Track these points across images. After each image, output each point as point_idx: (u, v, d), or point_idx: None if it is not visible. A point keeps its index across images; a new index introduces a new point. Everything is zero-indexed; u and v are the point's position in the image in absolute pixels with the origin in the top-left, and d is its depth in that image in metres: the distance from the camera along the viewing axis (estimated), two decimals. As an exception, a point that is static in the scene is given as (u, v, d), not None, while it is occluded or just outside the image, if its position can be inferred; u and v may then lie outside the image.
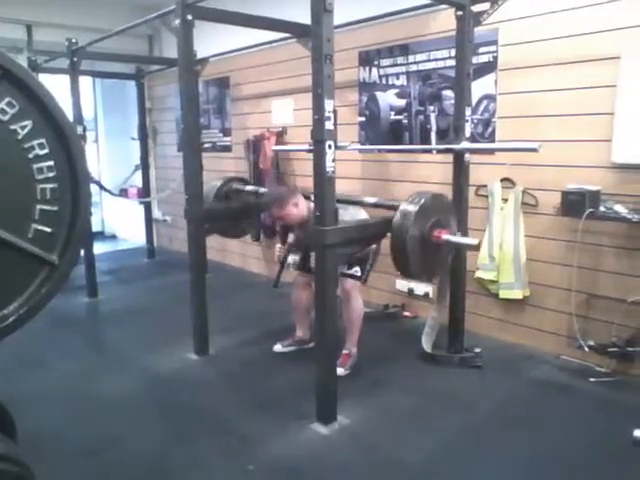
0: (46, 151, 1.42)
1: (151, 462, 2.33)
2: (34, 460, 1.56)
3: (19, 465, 1.43)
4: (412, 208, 2.62)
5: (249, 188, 4.16)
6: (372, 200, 3.21)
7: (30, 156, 1.41)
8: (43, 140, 1.42)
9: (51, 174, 1.44)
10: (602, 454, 2.31)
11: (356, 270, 3.06)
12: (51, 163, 1.44)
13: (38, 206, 1.44)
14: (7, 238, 1.38)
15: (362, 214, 3.09)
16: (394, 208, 2.72)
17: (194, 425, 2.59)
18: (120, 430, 2.56)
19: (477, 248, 2.77)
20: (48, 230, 1.47)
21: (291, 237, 3.34)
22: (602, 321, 3.00)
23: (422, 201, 2.64)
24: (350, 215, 2.89)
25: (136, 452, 2.39)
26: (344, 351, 3.11)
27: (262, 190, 4.01)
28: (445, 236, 2.67)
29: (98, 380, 3.08)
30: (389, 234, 2.66)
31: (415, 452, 2.35)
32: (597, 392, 2.80)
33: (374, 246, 3.13)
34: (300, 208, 3.07)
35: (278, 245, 3.39)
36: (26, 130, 1.39)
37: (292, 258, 3.43)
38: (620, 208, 2.78)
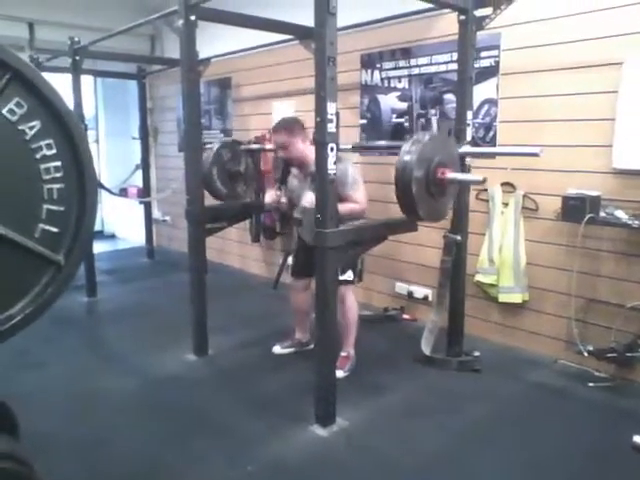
0: (54, 151, 1.43)
1: (149, 462, 2.33)
2: (31, 458, 1.56)
3: (24, 464, 1.43)
4: (414, 148, 2.53)
5: (254, 146, 4.14)
6: (379, 143, 3.08)
7: (38, 156, 1.41)
8: (51, 141, 1.42)
9: (58, 174, 1.44)
10: (601, 459, 2.32)
11: (349, 275, 3.05)
12: (58, 163, 1.44)
13: (45, 206, 1.45)
14: (14, 238, 1.38)
15: (347, 163, 2.96)
16: (397, 148, 2.64)
17: (192, 425, 2.59)
18: (118, 429, 2.56)
19: (482, 182, 2.68)
20: (55, 230, 1.48)
21: (283, 197, 3.24)
22: (601, 326, 3.01)
23: (425, 139, 2.56)
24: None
25: (134, 452, 2.39)
26: (342, 353, 3.12)
27: (268, 145, 3.90)
28: (449, 174, 2.60)
29: (96, 379, 3.08)
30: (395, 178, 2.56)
31: (413, 455, 2.36)
32: (596, 397, 2.81)
33: None
34: (306, 146, 2.99)
35: (271, 191, 3.30)
36: (34, 130, 1.39)
37: (291, 260, 3.42)
38: (620, 214, 2.80)
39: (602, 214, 2.84)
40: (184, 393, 2.94)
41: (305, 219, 2.75)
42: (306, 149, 2.99)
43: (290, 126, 3.02)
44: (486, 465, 2.29)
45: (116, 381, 3.06)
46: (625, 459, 2.26)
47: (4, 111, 1.35)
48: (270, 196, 3.32)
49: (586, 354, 2.94)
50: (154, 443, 2.46)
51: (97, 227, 7.31)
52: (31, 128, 1.39)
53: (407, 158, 2.50)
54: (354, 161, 3.08)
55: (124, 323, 4.09)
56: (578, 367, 3.07)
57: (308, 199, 2.79)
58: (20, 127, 1.38)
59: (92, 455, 2.36)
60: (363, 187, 2.98)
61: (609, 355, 2.89)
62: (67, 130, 1.44)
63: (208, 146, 3.98)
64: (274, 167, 4.29)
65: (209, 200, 3.51)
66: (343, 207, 2.70)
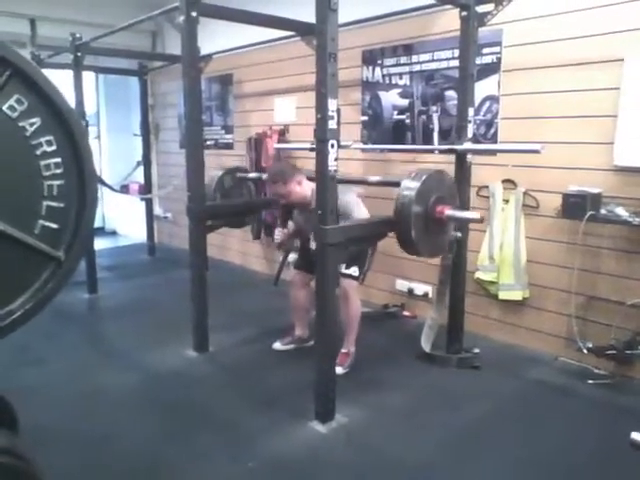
0: (54, 148, 1.43)
1: (149, 458, 2.34)
2: (31, 453, 1.57)
3: (22, 459, 1.44)
4: (414, 184, 2.60)
5: (252, 175, 4.19)
6: (375, 178, 3.18)
7: (38, 153, 1.41)
8: (51, 137, 1.42)
9: (58, 171, 1.45)
10: (600, 456, 2.33)
11: (354, 270, 3.05)
12: (58, 160, 1.44)
13: (45, 202, 1.45)
14: (14, 234, 1.39)
15: (351, 195, 3.00)
16: (397, 184, 2.70)
17: (193, 422, 2.60)
18: (119, 425, 2.57)
19: (480, 221, 2.73)
20: (54, 226, 1.48)
21: (291, 225, 3.31)
22: (601, 323, 3.02)
23: (424, 177, 2.62)
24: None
25: (134, 448, 2.40)
26: (342, 350, 3.12)
27: (265, 176, 3.98)
28: (448, 211, 2.66)
29: (97, 375, 3.09)
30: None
31: (413, 451, 2.36)
32: (595, 394, 2.82)
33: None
34: (303, 187, 3.04)
35: (278, 229, 3.37)
36: (34, 127, 1.40)
37: (292, 257, 3.43)
38: (621, 211, 2.79)
39: (603, 211, 2.84)
40: (184, 389, 2.94)
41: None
42: (303, 189, 3.04)
43: (283, 175, 3.05)
44: (486, 463, 2.29)
45: (117, 377, 3.07)
46: (625, 456, 2.27)
47: (4, 108, 1.36)
48: (279, 236, 3.35)
49: (586, 351, 2.94)
50: (155, 439, 2.47)
51: (98, 224, 7.33)
52: (31, 125, 1.40)
53: (406, 194, 2.58)
54: (359, 192, 3.14)
55: (125, 319, 4.10)
56: (578, 364, 3.07)
57: None
58: (20, 124, 1.38)
59: (93, 450, 2.36)
60: (366, 212, 3.00)
61: (609, 352, 2.89)
62: (67, 127, 1.44)
63: (212, 173, 4.07)
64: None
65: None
66: None
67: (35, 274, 1.48)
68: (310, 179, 2.99)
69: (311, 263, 3.21)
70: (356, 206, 2.97)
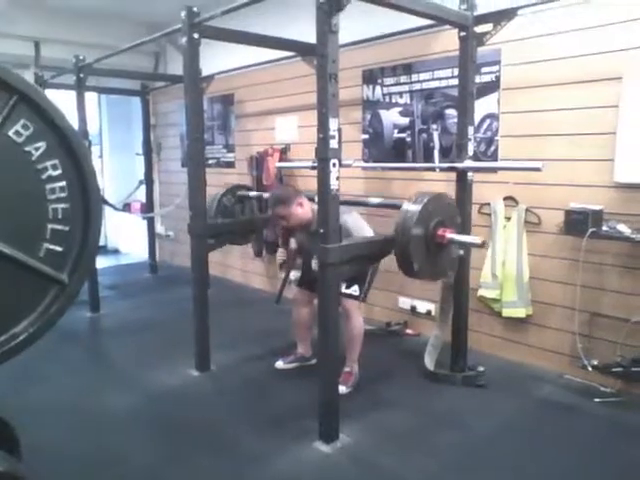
0: (59, 172, 1.44)
1: (151, 478, 2.32)
2: (34, 475, 1.56)
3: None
4: (415, 207, 2.59)
5: (252, 194, 4.20)
6: (375, 200, 3.19)
7: (43, 177, 1.43)
8: (56, 161, 1.44)
9: (63, 194, 1.46)
10: (608, 476, 2.29)
11: (354, 289, 3.04)
12: (63, 183, 1.46)
13: (50, 225, 1.46)
14: (18, 257, 1.40)
15: (352, 214, 3.01)
16: (397, 207, 2.70)
17: (195, 442, 2.58)
18: (120, 445, 2.55)
19: (481, 246, 2.72)
20: (59, 249, 1.49)
21: (293, 243, 3.31)
22: (606, 340, 3.00)
23: (425, 200, 2.61)
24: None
25: (136, 468, 2.38)
26: (345, 369, 3.10)
27: (266, 195, 4.00)
28: (449, 235, 2.65)
29: (99, 395, 3.08)
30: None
31: (417, 472, 2.34)
32: (602, 413, 2.79)
33: None
34: (305, 209, 3.04)
35: (280, 250, 3.37)
36: (40, 151, 1.41)
37: (294, 274, 3.43)
38: (623, 227, 2.79)
39: (605, 228, 2.85)
40: (186, 409, 2.92)
41: None
42: (305, 210, 3.05)
43: (284, 199, 3.05)
44: (491, 482, 2.27)
45: (119, 397, 3.05)
46: (632, 475, 2.25)
47: (10, 133, 1.38)
48: (280, 256, 3.37)
49: (591, 369, 2.92)
50: (157, 460, 2.44)
51: (100, 242, 7.32)
52: (37, 149, 1.41)
53: (408, 216, 2.57)
54: (360, 212, 3.16)
55: (127, 338, 4.08)
56: (583, 382, 3.05)
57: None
58: (26, 148, 1.40)
59: (95, 472, 2.34)
60: (368, 229, 3.01)
61: (614, 370, 2.87)
62: (72, 150, 1.46)
63: (213, 193, 4.08)
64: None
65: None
66: None
67: (39, 297, 1.49)
68: (310, 199, 3.02)
69: (313, 281, 3.21)
70: (358, 223, 2.97)
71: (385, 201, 3.25)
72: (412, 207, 2.61)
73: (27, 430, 1.88)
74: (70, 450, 2.51)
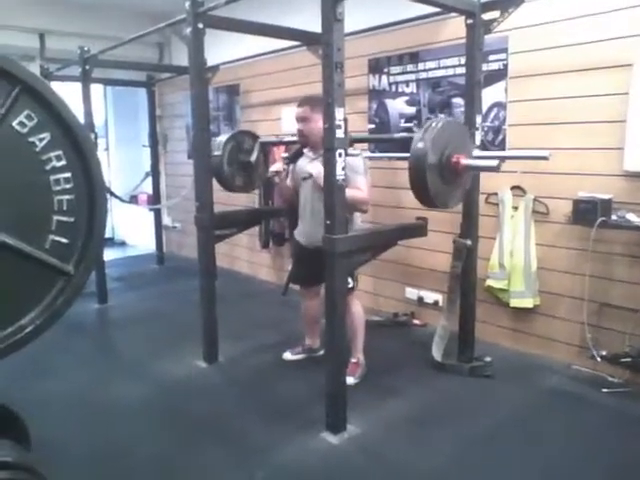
0: (63, 163, 1.44)
1: (160, 469, 2.33)
2: (43, 466, 1.57)
3: (35, 474, 1.43)
4: (428, 135, 2.48)
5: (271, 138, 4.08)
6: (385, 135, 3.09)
7: (47, 168, 1.43)
8: (60, 152, 1.43)
9: (68, 185, 1.46)
10: (616, 467, 2.28)
11: (349, 281, 2.98)
12: (68, 175, 1.45)
13: (55, 217, 1.46)
14: (24, 249, 1.40)
15: (359, 159, 2.90)
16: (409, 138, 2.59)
17: (203, 432, 2.59)
18: (129, 436, 2.57)
19: (497, 169, 2.63)
20: (64, 241, 1.49)
21: (289, 179, 3.21)
22: (614, 330, 2.98)
23: (439, 125, 2.50)
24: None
25: (145, 458, 2.40)
26: (352, 360, 3.10)
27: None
28: (464, 161, 2.55)
29: (107, 386, 3.10)
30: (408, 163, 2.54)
31: (426, 462, 2.34)
32: (611, 403, 2.77)
33: None
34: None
35: (280, 164, 3.24)
36: (44, 142, 1.41)
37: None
38: (632, 217, 2.77)
39: (614, 217, 2.82)
40: (194, 400, 2.94)
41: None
42: (321, 129, 2.93)
43: (314, 102, 2.91)
44: (500, 473, 2.26)
45: (127, 388, 3.07)
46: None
47: (14, 124, 1.37)
48: (276, 167, 3.24)
49: (599, 359, 2.91)
50: (166, 450, 2.46)
51: (107, 234, 7.36)
52: (41, 140, 1.41)
53: (421, 145, 2.45)
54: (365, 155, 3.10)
55: (135, 330, 4.11)
56: (592, 372, 3.04)
57: (316, 169, 2.81)
58: (30, 139, 1.40)
59: (104, 462, 2.36)
60: (369, 179, 2.98)
61: (623, 360, 2.85)
62: (76, 141, 1.45)
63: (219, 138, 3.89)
64: (287, 150, 4.20)
65: (219, 207, 3.52)
66: (348, 191, 2.60)
67: (45, 289, 1.49)
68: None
69: (308, 276, 3.19)
70: (354, 163, 2.82)
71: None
72: (426, 134, 2.47)
73: (36, 422, 1.89)
74: (79, 441, 2.53)
